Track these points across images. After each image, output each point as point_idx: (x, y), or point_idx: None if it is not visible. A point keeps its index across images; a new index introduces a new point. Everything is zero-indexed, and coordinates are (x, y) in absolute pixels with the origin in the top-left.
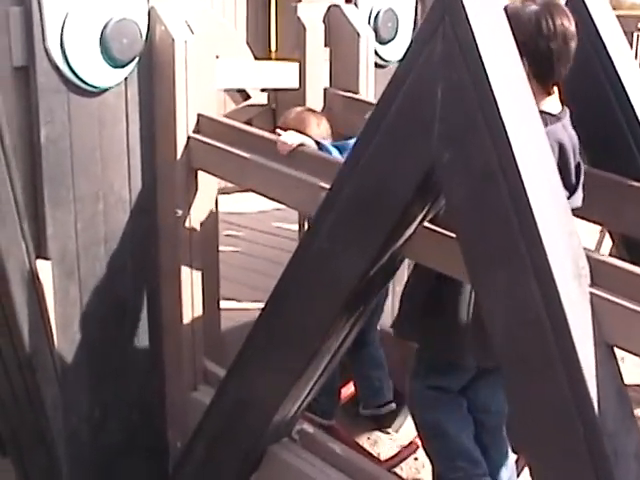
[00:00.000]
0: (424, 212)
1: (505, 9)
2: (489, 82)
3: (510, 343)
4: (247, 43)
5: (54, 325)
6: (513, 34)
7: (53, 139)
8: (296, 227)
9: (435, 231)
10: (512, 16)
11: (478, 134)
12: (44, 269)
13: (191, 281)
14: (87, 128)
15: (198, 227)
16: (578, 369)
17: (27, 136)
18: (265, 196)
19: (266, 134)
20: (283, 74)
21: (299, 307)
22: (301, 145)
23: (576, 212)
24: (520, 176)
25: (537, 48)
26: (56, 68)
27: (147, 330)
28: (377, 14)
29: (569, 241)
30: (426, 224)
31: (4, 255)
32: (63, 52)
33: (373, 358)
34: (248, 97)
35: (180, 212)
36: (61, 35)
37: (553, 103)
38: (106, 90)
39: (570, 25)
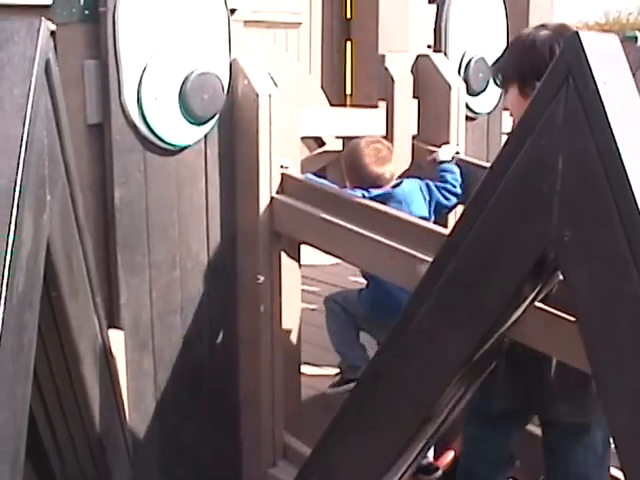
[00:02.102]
0: (536, 291)
1: (519, 35)
2: (619, 154)
3: (636, 450)
4: (321, 87)
5: (126, 400)
6: (527, 60)
7: (128, 201)
8: None
9: (547, 311)
10: (525, 42)
11: (605, 213)
12: (116, 340)
13: (271, 349)
14: (164, 189)
15: (280, 292)
16: None
17: (100, 198)
18: (356, 266)
19: (356, 198)
20: (366, 121)
21: (395, 388)
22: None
23: None
24: None
25: None
26: (132, 125)
27: (224, 402)
28: (468, 64)
29: None
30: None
31: (76, 332)
32: (140, 108)
33: None
34: (323, 144)
35: (262, 278)
36: (138, 90)
37: None
38: (185, 148)
39: None
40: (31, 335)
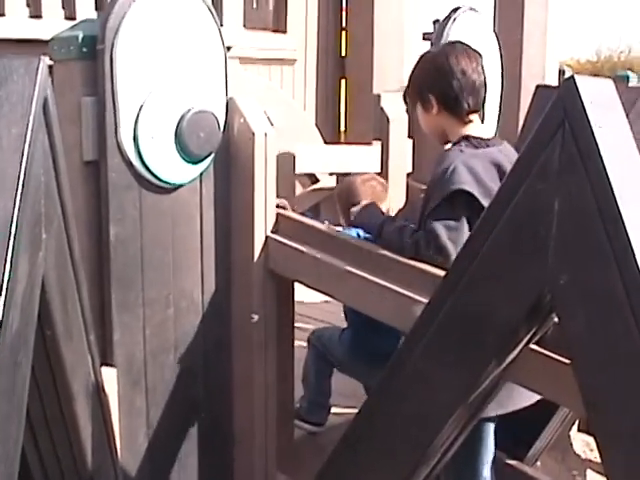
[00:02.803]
0: (532, 333)
1: None
2: (615, 199)
3: None
4: (316, 124)
5: (118, 438)
6: (418, 76)
7: (123, 239)
8: None
9: (542, 353)
10: (418, 61)
11: (601, 257)
12: (109, 378)
13: (265, 388)
14: (159, 227)
15: (274, 331)
16: None
17: (95, 235)
18: (349, 305)
19: (350, 239)
20: (360, 159)
21: (390, 430)
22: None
23: None
24: None
25: (439, 85)
26: (128, 163)
27: (217, 441)
28: None
29: None
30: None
31: (69, 372)
32: (136, 146)
33: None
34: (316, 180)
35: (256, 317)
36: (135, 128)
37: (477, 130)
38: (180, 186)
39: (469, 61)
40: (24, 374)
